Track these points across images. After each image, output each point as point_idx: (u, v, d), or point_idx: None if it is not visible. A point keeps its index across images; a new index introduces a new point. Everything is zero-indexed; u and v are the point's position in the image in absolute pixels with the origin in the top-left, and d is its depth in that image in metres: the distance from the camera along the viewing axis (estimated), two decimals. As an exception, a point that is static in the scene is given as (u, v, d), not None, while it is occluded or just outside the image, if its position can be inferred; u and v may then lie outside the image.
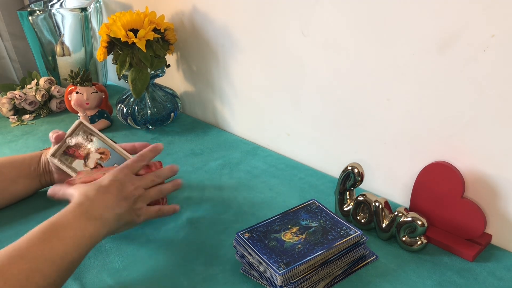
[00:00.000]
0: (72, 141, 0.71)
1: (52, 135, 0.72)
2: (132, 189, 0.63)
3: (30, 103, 1.12)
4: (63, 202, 0.62)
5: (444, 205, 0.64)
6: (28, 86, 1.15)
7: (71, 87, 1.02)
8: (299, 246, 0.57)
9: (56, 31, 1.15)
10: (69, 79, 1.01)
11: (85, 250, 0.55)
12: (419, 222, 0.61)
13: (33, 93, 1.12)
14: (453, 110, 0.61)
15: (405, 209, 0.63)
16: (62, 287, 0.53)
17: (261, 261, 0.55)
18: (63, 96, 1.13)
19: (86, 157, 0.72)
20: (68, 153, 0.71)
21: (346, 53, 0.71)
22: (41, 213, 0.73)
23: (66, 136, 0.72)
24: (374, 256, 0.62)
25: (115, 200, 0.60)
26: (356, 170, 0.65)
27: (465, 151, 0.62)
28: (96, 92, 1.00)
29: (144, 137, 1.00)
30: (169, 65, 1.00)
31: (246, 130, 0.98)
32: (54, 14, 1.13)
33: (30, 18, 1.11)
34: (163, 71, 1.00)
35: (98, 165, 0.72)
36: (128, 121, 1.02)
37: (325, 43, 0.74)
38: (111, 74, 1.34)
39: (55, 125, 1.08)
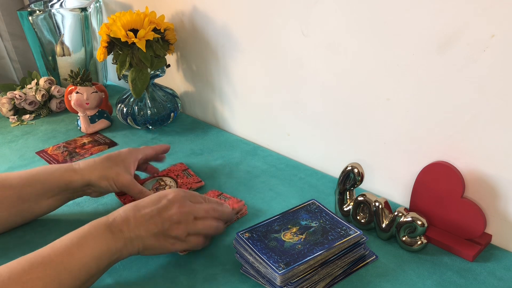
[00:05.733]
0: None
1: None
2: (174, 212, 0.58)
3: (30, 103, 1.12)
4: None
5: (444, 205, 0.64)
6: (28, 86, 1.15)
7: (71, 87, 1.02)
8: (299, 246, 0.57)
9: (56, 31, 1.15)
10: (69, 79, 1.01)
11: (105, 265, 0.56)
12: (419, 222, 0.61)
13: (33, 93, 1.12)
14: (453, 110, 0.61)
15: (405, 209, 0.63)
16: None
17: (261, 261, 0.55)
18: (63, 96, 1.13)
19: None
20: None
21: (346, 53, 0.71)
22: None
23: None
24: (374, 256, 0.62)
25: (144, 219, 0.57)
26: (356, 170, 0.65)
27: (465, 151, 0.62)
28: (96, 92, 1.00)
29: (144, 137, 1.00)
30: (169, 65, 1.00)
31: (246, 130, 0.98)
32: (54, 14, 1.13)
33: (30, 18, 1.11)
34: (163, 71, 1.00)
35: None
36: (128, 121, 1.02)
37: (325, 43, 0.74)
38: (111, 74, 1.34)
39: (55, 125, 1.08)
